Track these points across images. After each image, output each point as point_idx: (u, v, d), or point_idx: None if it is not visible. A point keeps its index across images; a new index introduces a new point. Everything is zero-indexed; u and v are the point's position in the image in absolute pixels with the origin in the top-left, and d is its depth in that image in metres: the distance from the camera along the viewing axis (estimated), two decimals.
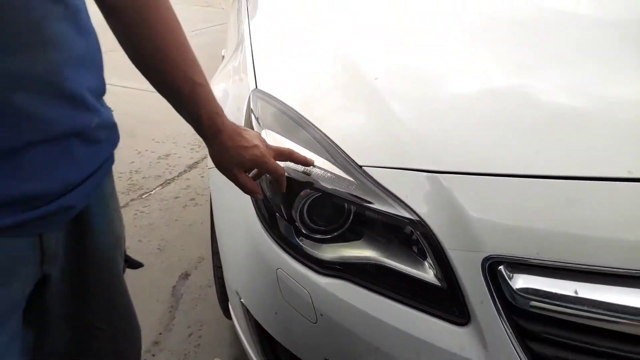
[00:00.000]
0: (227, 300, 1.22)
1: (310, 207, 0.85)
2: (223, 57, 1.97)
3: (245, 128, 0.78)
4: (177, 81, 0.65)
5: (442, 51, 1.08)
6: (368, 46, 1.13)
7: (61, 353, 0.74)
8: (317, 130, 0.89)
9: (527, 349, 0.71)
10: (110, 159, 0.66)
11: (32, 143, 0.51)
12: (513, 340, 0.71)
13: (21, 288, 0.59)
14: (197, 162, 2.61)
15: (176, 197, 2.28)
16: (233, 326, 1.49)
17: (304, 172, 0.83)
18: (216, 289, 1.44)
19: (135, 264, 0.82)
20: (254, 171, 0.80)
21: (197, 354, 1.47)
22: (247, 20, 1.41)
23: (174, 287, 1.73)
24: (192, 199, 2.28)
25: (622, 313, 0.68)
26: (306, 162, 0.81)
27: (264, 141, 0.78)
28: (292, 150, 0.80)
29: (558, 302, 0.69)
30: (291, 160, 0.81)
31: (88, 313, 0.74)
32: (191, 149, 2.75)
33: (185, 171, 2.53)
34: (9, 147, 0.50)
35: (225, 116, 0.73)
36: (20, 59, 0.48)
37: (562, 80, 0.95)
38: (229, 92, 1.23)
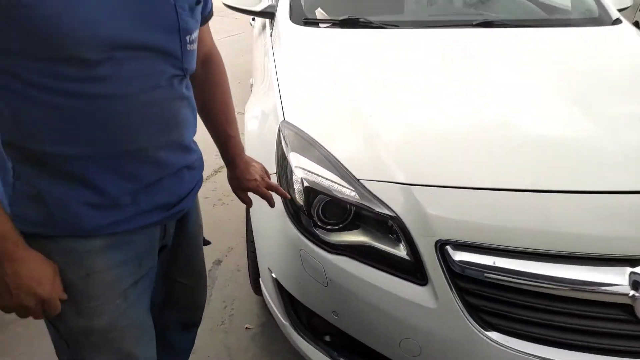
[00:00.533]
0: (258, 277, 1.61)
1: (324, 207, 1.24)
2: (252, 85, 2.36)
3: (253, 164, 1.20)
4: (219, 132, 1.12)
5: (420, 99, 1.48)
6: (366, 91, 1.53)
7: (155, 303, 1.13)
8: (329, 153, 1.29)
9: (463, 300, 1.10)
10: (201, 178, 1.05)
11: (166, 176, 0.91)
12: (454, 295, 1.10)
13: (155, 257, 0.99)
14: (222, 167, 3.01)
15: (206, 197, 2.68)
16: (260, 300, 1.89)
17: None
18: (249, 269, 1.84)
19: (206, 242, 1.22)
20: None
21: (231, 321, 1.87)
22: (273, 61, 1.81)
23: (209, 270, 2.13)
24: (220, 199, 2.68)
25: (526, 277, 1.07)
26: (285, 195, 1.24)
27: (263, 175, 1.21)
28: (277, 186, 1.23)
29: (482, 269, 1.08)
30: (275, 192, 1.22)
31: (176, 272, 1.14)
32: (216, 155, 3.13)
33: (212, 175, 2.93)
34: (155, 179, 0.89)
35: (244, 154, 1.17)
36: (167, 135, 0.87)
37: (501, 123, 1.35)
38: (265, 116, 1.63)
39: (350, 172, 1.23)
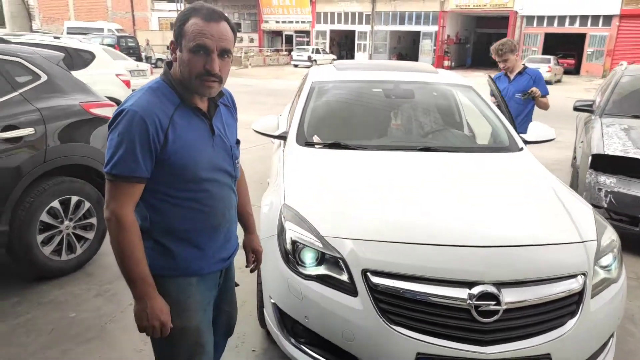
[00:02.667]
0: (263, 307, 2.43)
1: (302, 253, 2.12)
2: (268, 183, 3.35)
3: (254, 241, 1.87)
4: (243, 211, 1.80)
5: (374, 194, 2.41)
6: (341, 188, 2.48)
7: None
8: (308, 221, 2.19)
9: (377, 306, 1.92)
10: (238, 245, 1.90)
11: (226, 241, 1.69)
12: (372, 302, 1.92)
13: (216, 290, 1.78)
14: None
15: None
16: (264, 332, 2.66)
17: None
18: (257, 302, 2.64)
19: (236, 284, 1.96)
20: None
21: (243, 345, 2.64)
22: (282, 167, 2.80)
23: None
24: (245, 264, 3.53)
25: (416, 292, 1.90)
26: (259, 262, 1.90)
27: (258, 244, 1.87)
28: (260, 257, 1.88)
29: (389, 287, 1.91)
30: (259, 260, 1.89)
31: (222, 301, 1.84)
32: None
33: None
34: (223, 242, 1.65)
35: (253, 233, 1.85)
36: (230, 216, 1.68)
37: (420, 211, 2.26)
38: (273, 203, 2.56)
39: (319, 232, 2.12)
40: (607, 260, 2.16)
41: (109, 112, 3.62)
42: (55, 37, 6.75)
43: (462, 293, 1.88)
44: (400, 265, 1.95)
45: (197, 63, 1.40)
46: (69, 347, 2.57)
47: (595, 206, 4.04)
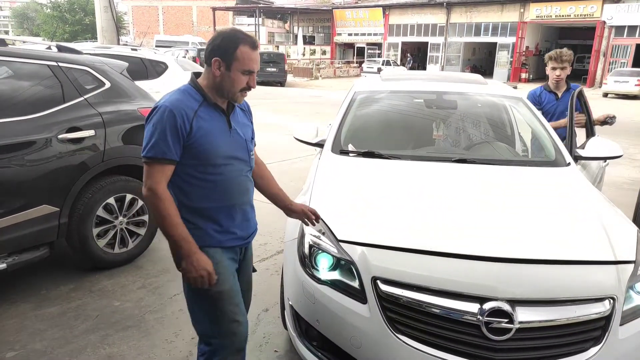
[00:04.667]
0: (284, 309, 2.48)
1: (317, 257, 2.15)
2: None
3: (296, 203, 2.11)
4: (271, 191, 2.10)
5: (400, 201, 2.40)
6: (368, 194, 2.49)
7: None
8: (327, 226, 2.22)
9: (385, 314, 1.90)
10: (256, 229, 2.02)
11: (244, 220, 1.91)
12: (381, 311, 1.91)
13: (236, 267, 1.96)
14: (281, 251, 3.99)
15: (266, 269, 3.65)
16: (286, 333, 2.72)
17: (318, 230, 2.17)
18: (280, 304, 2.71)
19: (254, 269, 2.16)
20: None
21: (267, 345, 2.71)
22: (315, 173, 2.85)
23: (258, 315, 3.02)
24: (276, 271, 3.62)
25: (424, 302, 1.87)
26: (311, 221, 2.13)
27: (301, 205, 2.12)
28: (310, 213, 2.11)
29: (397, 296, 1.90)
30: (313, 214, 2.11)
31: (240, 281, 2.05)
32: (280, 240, 4.16)
33: (274, 254, 3.92)
34: (241, 221, 1.88)
35: (291, 201, 2.09)
36: (245, 197, 1.89)
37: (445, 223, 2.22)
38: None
39: (335, 236, 2.14)
40: None
41: None
42: (132, 49, 7.35)
43: (472, 308, 1.82)
44: (409, 274, 1.93)
45: (243, 81, 1.77)
46: (108, 333, 2.78)
47: None
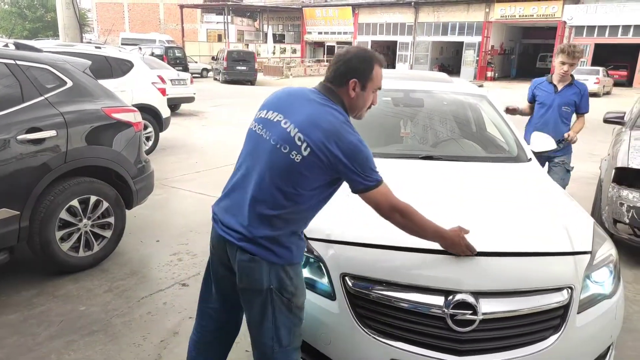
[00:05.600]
0: None
1: None
2: None
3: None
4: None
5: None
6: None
7: None
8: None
9: (354, 310, 1.92)
10: None
11: None
12: (349, 307, 1.93)
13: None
14: None
15: None
16: None
17: None
18: None
19: None
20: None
21: (237, 345, 2.69)
22: None
23: None
24: None
25: (391, 297, 1.89)
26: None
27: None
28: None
29: (365, 291, 1.92)
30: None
31: None
32: None
33: None
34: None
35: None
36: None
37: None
38: None
39: (304, 234, 2.15)
40: (601, 274, 2.08)
41: (131, 117, 3.81)
42: (96, 47, 7.14)
43: (438, 301, 1.86)
44: (377, 270, 1.95)
45: (372, 99, 1.83)
46: (73, 339, 2.71)
47: (618, 222, 3.87)
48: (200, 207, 5.11)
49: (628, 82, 28.38)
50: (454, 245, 1.88)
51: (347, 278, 1.97)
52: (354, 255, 2.02)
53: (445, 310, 1.84)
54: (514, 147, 3.16)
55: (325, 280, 2.03)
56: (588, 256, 2.06)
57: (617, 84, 26.10)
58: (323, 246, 2.07)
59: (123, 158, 3.67)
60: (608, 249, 2.19)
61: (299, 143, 1.64)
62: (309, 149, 1.63)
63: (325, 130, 1.63)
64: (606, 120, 5.07)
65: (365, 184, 1.68)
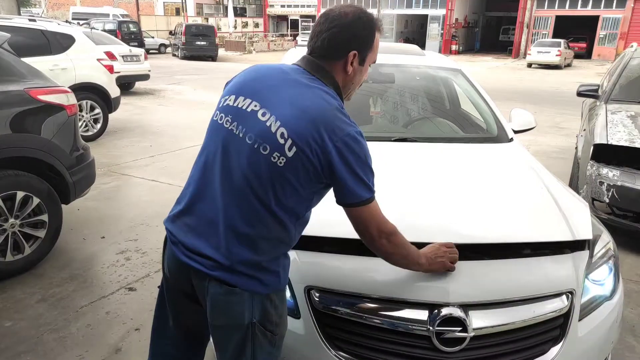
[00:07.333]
0: None
1: None
2: None
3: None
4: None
5: None
6: None
7: None
8: None
9: (322, 330, 1.61)
10: None
11: None
12: (316, 327, 1.61)
13: None
14: None
15: None
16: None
17: None
18: None
19: None
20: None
21: None
22: None
23: None
24: None
25: (365, 313, 1.58)
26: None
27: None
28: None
29: (331, 306, 1.60)
30: None
31: None
32: None
33: None
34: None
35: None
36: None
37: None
38: None
39: None
40: (600, 273, 1.83)
41: (62, 98, 3.32)
42: (30, 20, 6.41)
43: (421, 316, 1.56)
44: (347, 281, 1.63)
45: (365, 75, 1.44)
46: None
47: (596, 200, 3.70)
48: (154, 196, 4.68)
49: (587, 54, 28.90)
50: (440, 267, 1.58)
51: (312, 292, 1.65)
52: (319, 263, 1.69)
53: (430, 327, 1.54)
54: (494, 126, 2.88)
55: (287, 293, 1.69)
56: (587, 254, 1.81)
57: (577, 55, 26.51)
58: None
59: (54, 146, 3.19)
60: (606, 243, 1.94)
61: (281, 141, 1.23)
62: (294, 148, 1.22)
63: (314, 121, 1.22)
64: (580, 94, 4.89)
65: (360, 194, 1.27)
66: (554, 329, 1.65)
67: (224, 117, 1.32)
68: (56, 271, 3.18)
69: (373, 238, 1.36)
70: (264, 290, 1.31)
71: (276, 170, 1.24)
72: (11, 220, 3.01)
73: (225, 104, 1.34)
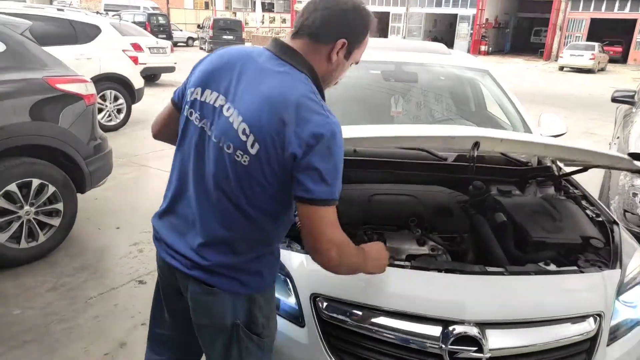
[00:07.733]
0: None
1: None
2: None
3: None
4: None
5: None
6: None
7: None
8: None
9: (327, 342, 1.52)
10: None
11: None
12: (321, 338, 1.53)
13: None
14: None
15: None
16: None
17: None
18: None
19: None
20: None
21: None
22: None
23: None
24: None
25: (373, 326, 1.49)
26: None
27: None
28: None
29: (338, 316, 1.51)
30: None
31: None
32: None
33: None
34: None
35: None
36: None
37: None
38: None
39: None
40: (633, 295, 1.69)
41: (81, 88, 3.31)
42: (58, 10, 6.50)
43: (433, 332, 1.46)
44: (355, 291, 1.54)
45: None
46: None
47: (628, 212, 3.50)
48: None
49: (622, 59, 27.92)
50: (382, 268, 1.41)
51: (319, 300, 1.56)
52: (324, 279, 1.59)
53: (443, 345, 1.44)
54: (521, 130, 2.73)
55: (292, 300, 1.62)
56: (619, 272, 1.67)
57: (611, 60, 25.64)
58: (290, 256, 1.65)
59: (71, 136, 3.17)
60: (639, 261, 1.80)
61: (243, 138, 1.14)
62: (257, 145, 1.13)
63: (277, 112, 1.11)
64: (614, 99, 4.66)
65: (318, 192, 1.11)
66: (580, 353, 1.53)
67: (193, 112, 1.25)
68: (69, 260, 3.17)
69: (322, 245, 1.16)
70: (245, 291, 1.25)
71: (242, 170, 1.16)
72: (26, 207, 3.01)
73: (192, 98, 1.25)
